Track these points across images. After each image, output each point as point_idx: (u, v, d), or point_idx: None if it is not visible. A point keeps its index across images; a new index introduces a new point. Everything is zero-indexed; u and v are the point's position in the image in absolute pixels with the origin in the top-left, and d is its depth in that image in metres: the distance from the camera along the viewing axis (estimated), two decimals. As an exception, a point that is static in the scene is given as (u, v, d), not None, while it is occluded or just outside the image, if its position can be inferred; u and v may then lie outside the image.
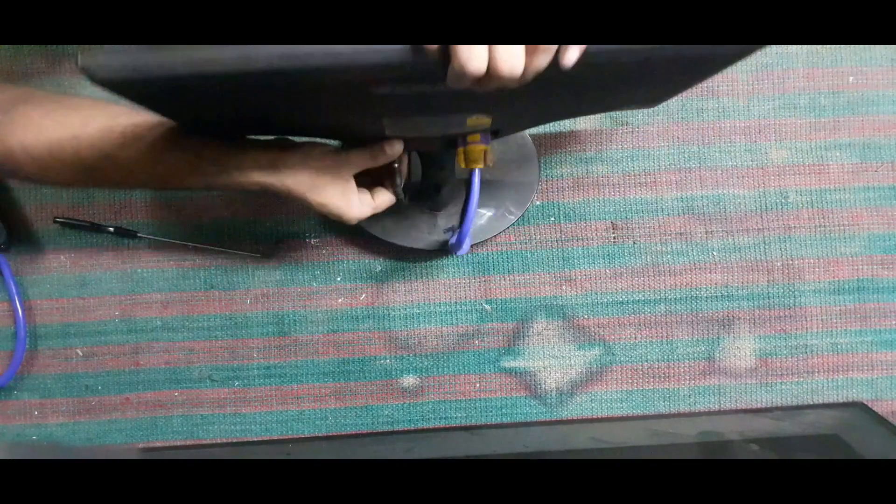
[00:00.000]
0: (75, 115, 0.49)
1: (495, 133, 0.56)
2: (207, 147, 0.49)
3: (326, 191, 0.51)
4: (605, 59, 0.42)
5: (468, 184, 0.59)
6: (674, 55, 0.44)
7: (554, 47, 0.39)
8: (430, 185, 0.64)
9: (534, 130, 0.69)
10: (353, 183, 0.53)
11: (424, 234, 0.67)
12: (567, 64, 0.40)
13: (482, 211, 0.68)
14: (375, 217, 0.67)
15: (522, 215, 0.69)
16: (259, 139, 0.52)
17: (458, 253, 0.63)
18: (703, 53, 0.44)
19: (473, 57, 0.38)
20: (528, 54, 0.39)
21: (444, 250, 0.67)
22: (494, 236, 0.68)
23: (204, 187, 0.50)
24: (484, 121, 0.52)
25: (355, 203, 0.53)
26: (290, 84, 0.42)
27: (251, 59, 0.39)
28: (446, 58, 0.39)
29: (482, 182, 0.67)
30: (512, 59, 0.39)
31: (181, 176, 0.49)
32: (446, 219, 0.67)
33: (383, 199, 0.57)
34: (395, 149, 0.55)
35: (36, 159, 0.48)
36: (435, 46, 0.39)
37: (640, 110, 0.69)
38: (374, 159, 0.54)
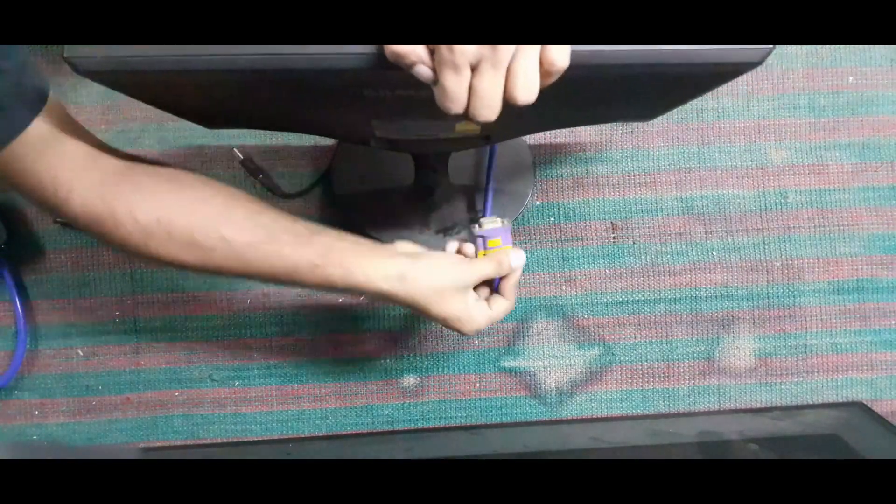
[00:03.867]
0: (190, 191, 0.47)
1: (486, 139, 0.56)
2: (334, 250, 0.48)
3: (450, 304, 0.51)
4: (583, 73, 0.42)
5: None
6: (646, 69, 0.43)
7: (534, 92, 0.39)
8: (423, 188, 0.64)
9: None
10: (473, 294, 0.53)
11: (416, 233, 0.67)
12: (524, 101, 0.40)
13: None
14: (368, 213, 0.67)
15: (521, 215, 0.69)
16: (385, 245, 0.52)
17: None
18: (681, 66, 0.43)
19: (450, 101, 0.39)
20: (506, 92, 0.39)
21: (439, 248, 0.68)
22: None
23: (322, 288, 0.49)
24: (473, 127, 0.52)
25: (476, 315, 0.53)
26: (274, 82, 0.42)
27: (233, 60, 0.40)
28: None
29: (478, 188, 0.67)
30: (489, 109, 0.39)
31: (301, 275, 0.47)
32: (438, 221, 0.67)
33: (500, 307, 0.55)
34: (520, 259, 0.55)
35: (141, 225, 0.45)
36: (401, 50, 0.39)
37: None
38: (499, 269, 0.54)
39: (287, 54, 0.40)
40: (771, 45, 0.42)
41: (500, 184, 0.67)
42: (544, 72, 0.39)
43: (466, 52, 0.38)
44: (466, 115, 0.40)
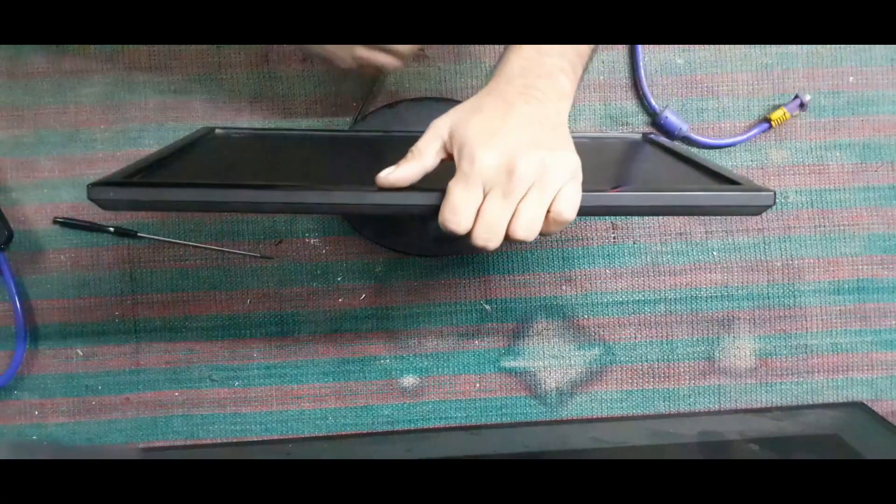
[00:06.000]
0: None
1: None
2: None
3: None
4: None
5: None
6: (645, 211, 0.44)
7: (534, 234, 0.40)
8: (435, 230, 0.64)
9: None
10: None
11: (415, 239, 0.67)
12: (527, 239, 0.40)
13: None
14: (369, 220, 0.67)
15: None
16: None
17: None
18: (685, 209, 0.46)
19: (454, 215, 0.39)
20: (509, 235, 0.40)
21: (437, 253, 0.68)
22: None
23: None
24: None
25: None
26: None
27: (259, 205, 0.43)
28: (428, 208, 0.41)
29: None
30: (492, 238, 0.40)
31: None
32: (437, 229, 0.67)
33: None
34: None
35: None
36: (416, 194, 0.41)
37: (638, 112, 0.69)
38: None
39: (309, 201, 0.43)
40: (771, 195, 0.43)
41: None
42: (550, 219, 0.40)
43: (483, 171, 0.38)
44: (467, 236, 0.40)
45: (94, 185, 0.42)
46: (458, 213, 0.39)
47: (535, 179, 0.38)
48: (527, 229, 0.39)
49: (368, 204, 0.42)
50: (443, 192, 0.40)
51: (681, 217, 0.69)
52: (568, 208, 0.39)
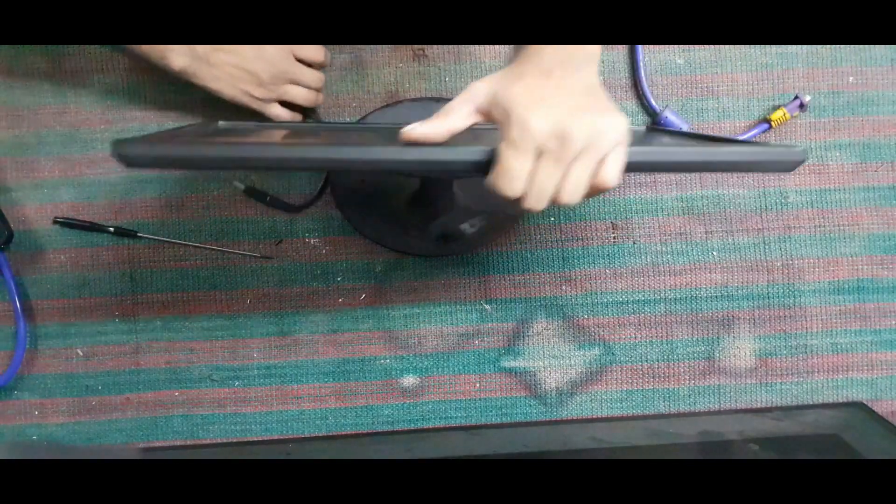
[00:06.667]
0: None
1: None
2: None
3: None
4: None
5: None
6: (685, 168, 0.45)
7: (578, 198, 0.40)
8: (426, 198, 0.64)
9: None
10: None
11: (415, 239, 0.67)
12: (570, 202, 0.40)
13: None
14: (369, 220, 0.67)
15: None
16: None
17: None
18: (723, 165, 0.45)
19: (508, 181, 0.39)
20: (555, 199, 0.40)
21: (437, 253, 0.68)
22: (494, 237, 0.68)
23: None
24: None
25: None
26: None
27: (291, 161, 0.40)
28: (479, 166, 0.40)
29: (472, 194, 0.66)
30: (541, 202, 0.40)
31: None
32: (438, 228, 0.67)
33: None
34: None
35: None
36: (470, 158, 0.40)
37: (638, 112, 0.69)
38: None
39: (341, 157, 0.40)
40: (803, 150, 0.42)
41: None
42: (594, 184, 0.40)
43: (536, 138, 0.38)
44: (513, 200, 0.40)
45: (119, 141, 0.39)
46: (511, 178, 0.39)
47: (587, 144, 0.38)
48: (572, 193, 0.40)
49: (408, 160, 0.40)
50: (488, 149, 0.40)
51: (680, 217, 0.69)
52: (614, 174, 0.40)
